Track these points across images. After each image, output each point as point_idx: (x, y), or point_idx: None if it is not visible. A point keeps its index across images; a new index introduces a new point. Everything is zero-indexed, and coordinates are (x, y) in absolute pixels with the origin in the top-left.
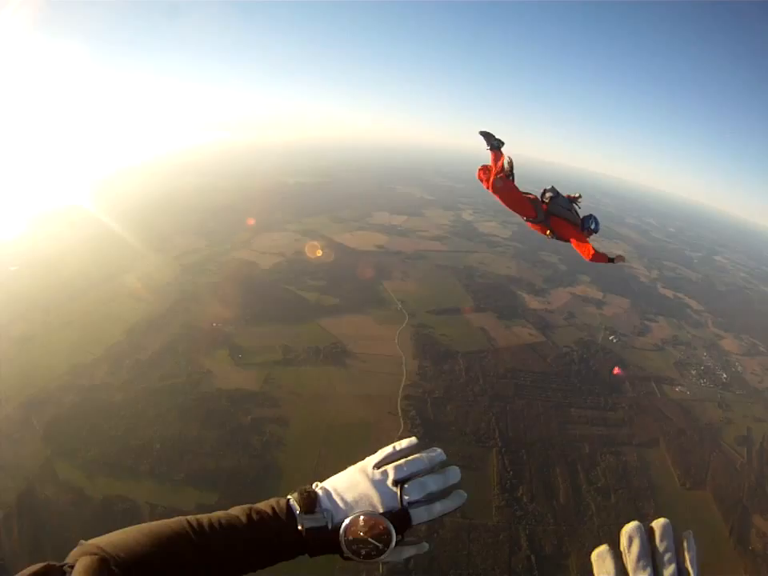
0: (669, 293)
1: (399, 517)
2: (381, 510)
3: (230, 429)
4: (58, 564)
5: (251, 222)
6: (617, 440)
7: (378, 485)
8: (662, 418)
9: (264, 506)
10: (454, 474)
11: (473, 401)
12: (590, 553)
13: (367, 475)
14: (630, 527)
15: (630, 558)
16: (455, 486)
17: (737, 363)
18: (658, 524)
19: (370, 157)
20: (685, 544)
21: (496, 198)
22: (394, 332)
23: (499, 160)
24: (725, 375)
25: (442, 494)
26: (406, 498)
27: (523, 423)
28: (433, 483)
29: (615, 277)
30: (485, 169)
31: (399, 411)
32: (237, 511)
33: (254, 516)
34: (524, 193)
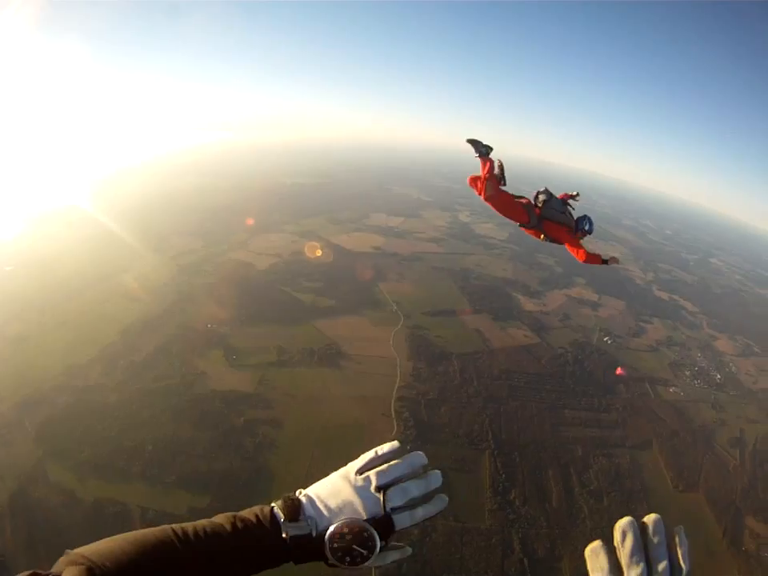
0: (664, 295)
1: (382, 523)
2: (364, 517)
3: (223, 430)
4: (43, 573)
5: (249, 222)
6: (610, 442)
7: (361, 491)
8: (656, 419)
9: (248, 513)
10: (436, 478)
11: (466, 402)
12: (583, 555)
13: (350, 482)
14: (623, 522)
15: (624, 552)
16: (437, 491)
17: (731, 364)
18: (650, 519)
19: (370, 157)
20: (677, 539)
21: (488, 205)
22: (389, 333)
23: (487, 166)
24: (719, 376)
25: (425, 498)
26: (389, 503)
27: (517, 425)
28: (415, 489)
29: (611, 279)
30: (476, 176)
31: (393, 413)
32: (221, 519)
33: (239, 524)
34: (516, 197)
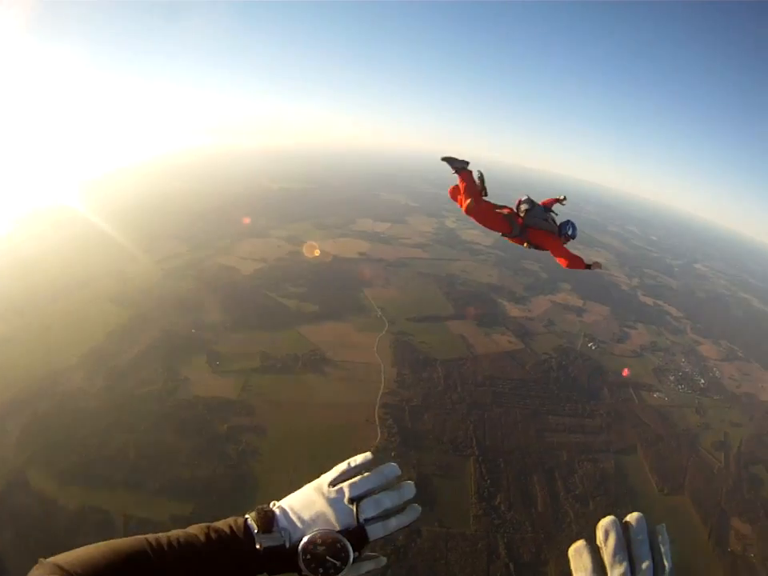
0: (649, 300)
1: (356, 534)
2: (337, 528)
3: (207, 438)
4: None
5: (234, 227)
6: (594, 447)
7: (334, 503)
8: (640, 424)
9: (222, 524)
10: (409, 489)
11: (451, 409)
12: (569, 558)
13: (323, 494)
14: (605, 521)
15: (607, 551)
16: (411, 501)
17: (714, 368)
18: (632, 518)
19: (358, 163)
20: (659, 538)
21: (471, 219)
22: (373, 339)
23: (466, 181)
24: (703, 381)
25: (399, 508)
26: (362, 515)
27: (501, 431)
28: (388, 500)
29: (596, 285)
30: (456, 188)
31: (377, 419)
32: (195, 530)
33: (212, 535)
34: (498, 207)
